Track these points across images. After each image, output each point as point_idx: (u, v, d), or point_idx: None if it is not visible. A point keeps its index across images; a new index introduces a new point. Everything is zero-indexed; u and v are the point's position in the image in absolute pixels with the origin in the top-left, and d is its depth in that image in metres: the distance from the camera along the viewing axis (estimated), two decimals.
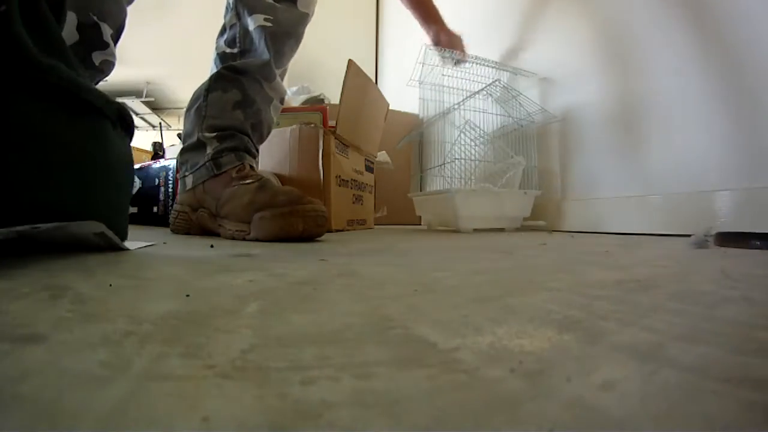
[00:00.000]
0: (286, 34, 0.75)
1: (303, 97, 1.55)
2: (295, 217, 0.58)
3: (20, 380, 0.11)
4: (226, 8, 0.77)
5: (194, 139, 0.72)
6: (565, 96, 1.14)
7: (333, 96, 1.43)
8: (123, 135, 0.42)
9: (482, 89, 1.17)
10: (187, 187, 0.73)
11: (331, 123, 1.03)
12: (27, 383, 0.11)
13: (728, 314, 0.19)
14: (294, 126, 0.98)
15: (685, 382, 0.11)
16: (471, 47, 1.27)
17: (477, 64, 1.23)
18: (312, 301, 0.21)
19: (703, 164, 0.80)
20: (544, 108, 1.16)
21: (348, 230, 1.03)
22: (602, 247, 0.55)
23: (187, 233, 0.74)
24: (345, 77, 0.97)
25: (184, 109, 0.78)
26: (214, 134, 0.70)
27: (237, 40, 0.74)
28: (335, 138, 0.98)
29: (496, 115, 1.24)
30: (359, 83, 1.05)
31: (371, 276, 0.29)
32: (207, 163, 0.70)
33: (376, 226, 1.34)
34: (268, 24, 0.72)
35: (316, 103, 1.45)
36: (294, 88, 1.65)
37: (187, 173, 0.73)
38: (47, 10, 0.34)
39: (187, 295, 0.21)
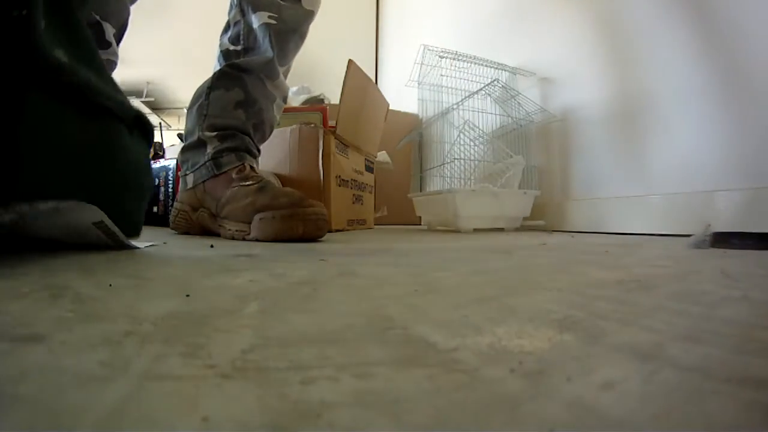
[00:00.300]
0: (291, 32, 0.75)
1: (303, 97, 1.55)
2: (296, 219, 0.58)
3: (20, 380, 0.11)
4: (231, 5, 0.77)
5: (195, 137, 0.72)
6: (564, 96, 1.14)
7: (333, 96, 1.43)
8: (141, 140, 0.43)
9: (481, 89, 1.17)
10: (188, 186, 0.73)
11: (331, 123, 1.03)
12: (27, 383, 0.11)
13: (728, 314, 0.19)
14: (294, 126, 0.98)
15: (685, 382, 0.11)
16: (470, 47, 1.27)
17: (476, 64, 1.23)
18: (312, 301, 0.21)
19: (703, 164, 0.80)
20: (543, 108, 1.16)
21: (348, 230, 1.03)
22: (602, 247, 0.55)
23: (187, 233, 0.74)
24: (345, 77, 0.97)
25: (186, 108, 0.78)
26: (215, 133, 0.70)
27: (241, 37, 0.74)
28: (335, 138, 0.98)
29: (496, 115, 1.24)
30: (359, 83, 1.05)
31: (371, 276, 0.29)
32: (207, 163, 0.70)
33: (376, 226, 1.34)
34: (273, 21, 0.72)
35: (316, 103, 1.45)
36: (294, 88, 1.65)
37: (187, 172, 0.73)
38: (79, 19, 0.35)
39: (187, 295, 0.21)
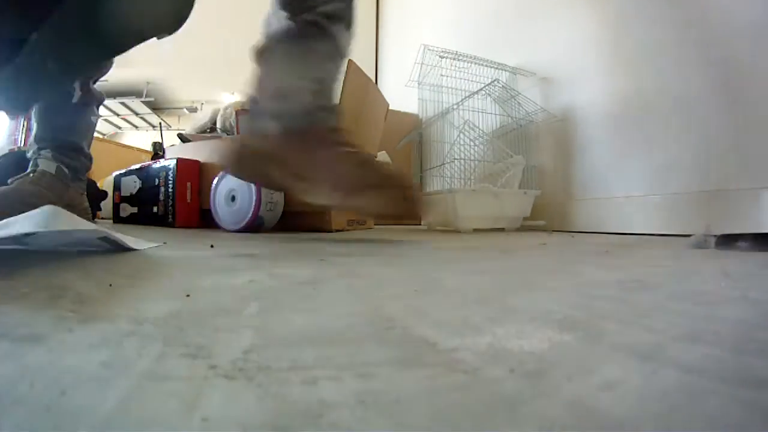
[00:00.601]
0: None
1: None
2: (408, 202, 0.59)
3: (20, 380, 0.11)
4: None
5: (285, 84, 0.66)
6: (565, 95, 1.14)
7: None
8: None
9: (481, 89, 1.17)
10: (265, 131, 0.66)
11: None
12: (27, 383, 0.11)
13: (728, 314, 0.19)
14: None
15: (685, 382, 0.11)
16: (470, 47, 1.27)
17: (476, 64, 1.23)
18: (312, 301, 0.21)
19: (703, 164, 0.80)
20: (543, 108, 1.16)
21: (348, 230, 1.03)
22: (602, 247, 0.55)
23: (241, 173, 0.70)
24: (345, 77, 0.97)
25: (253, 58, 0.69)
26: (311, 86, 0.65)
27: None
28: None
29: (496, 115, 1.24)
30: (359, 83, 1.05)
31: (371, 276, 0.29)
32: (301, 116, 0.64)
33: (376, 226, 1.34)
34: None
35: None
36: None
37: (270, 114, 0.67)
38: None
39: (188, 295, 0.21)
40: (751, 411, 0.10)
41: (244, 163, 0.69)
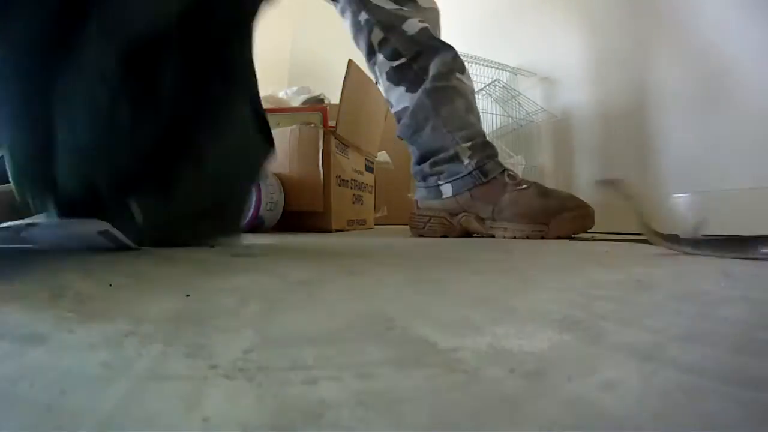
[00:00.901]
0: (436, 28, 0.78)
1: (303, 97, 1.55)
2: (586, 218, 0.70)
3: (20, 380, 0.11)
4: (358, 31, 0.78)
5: (449, 152, 0.75)
6: (565, 96, 1.14)
7: (333, 96, 1.43)
8: (261, 142, 0.46)
9: (481, 89, 1.17)
10: (445, 195, 0.76)
11: (331, 123, 1.03)
12: (27, 383, 0.11)
13: (728, 314, 0.19)
14: (294, 126, 0.98)
15: (685, 382, 0.11)
16: (470, 47, 1.27)
17: (476, 63, 1.23)
18: (312, 300, 0.21)
19: (704, 164, 0.80)
20: (543, 108, 1.16)
21: (348, 230, 1.03)
22: (602, 247, 0.55)
23: (444, 236, 0.77)
24: (345, 77, 0.97)
25: (406, 135, 0.79)
26: (468, 144, 0.74)
27: (400, 50, 0.75)
28: (335, 138, 0.97)
29: (496, 115, 1.24)
30: (359, 83, 1.05)
31: (371, 276, 0.29)
32: (473, 172, 0.73)
33: (376, 226, 1.34)
34: (425, 24, 0.74)
35: (316, 103, 1.45)
36: (294, 88, 1.65)
37: (441, 182, 0.77)
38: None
39: (188, 295, 0.21)
40: (750, 411, 0.10)
41: (437, 226, 0.78)
